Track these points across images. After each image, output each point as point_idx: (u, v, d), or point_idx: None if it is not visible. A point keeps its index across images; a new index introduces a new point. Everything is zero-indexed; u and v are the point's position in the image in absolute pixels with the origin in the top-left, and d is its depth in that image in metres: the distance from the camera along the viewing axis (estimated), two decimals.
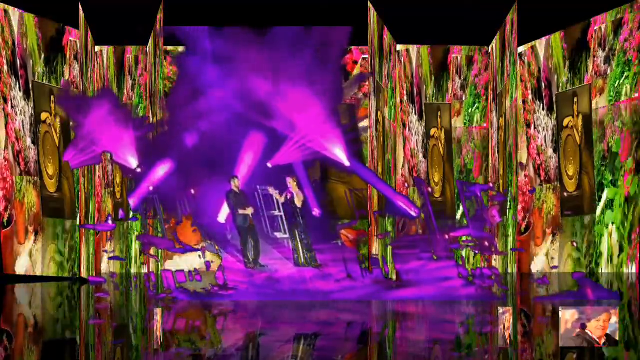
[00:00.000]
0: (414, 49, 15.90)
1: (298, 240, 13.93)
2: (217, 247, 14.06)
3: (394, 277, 14.47)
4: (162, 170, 14.08)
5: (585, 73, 14.65)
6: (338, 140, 14.48)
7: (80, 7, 14.32)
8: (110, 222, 14.70)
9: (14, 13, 13.74)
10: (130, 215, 15.18)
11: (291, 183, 14.26)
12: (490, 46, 15.91)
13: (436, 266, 13.86)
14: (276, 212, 14.72)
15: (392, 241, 15.42)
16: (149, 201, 14.21)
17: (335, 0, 14.39)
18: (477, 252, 14.77)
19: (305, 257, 13.91)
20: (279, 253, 14.24)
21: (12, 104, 13.97)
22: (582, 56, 14.72)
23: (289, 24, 13.47)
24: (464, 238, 14.63)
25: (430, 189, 16.55)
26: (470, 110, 16.11)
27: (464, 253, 15.41)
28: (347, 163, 14.50)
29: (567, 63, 14.80)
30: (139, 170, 13.86)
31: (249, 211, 14.01)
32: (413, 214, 14.34)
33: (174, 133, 14.36)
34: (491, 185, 15.63)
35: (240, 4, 14.61)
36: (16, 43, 13.73)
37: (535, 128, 15.41)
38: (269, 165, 14.56)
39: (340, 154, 14.50)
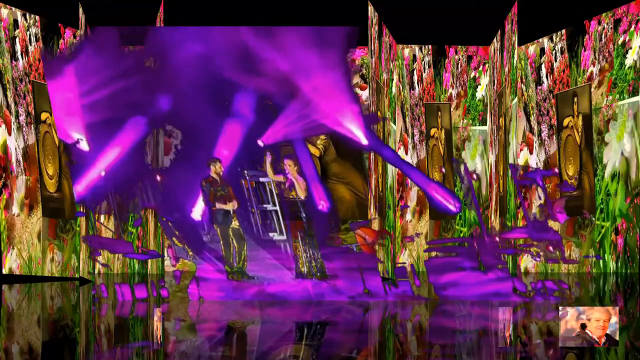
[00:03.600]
0: (414, 48, 15.94)
1: (300, 243, 11.51)
2: (190, 253, 11.29)
3: (428, 293, 11.45)
4: (117, 149, 10.83)
5: (586, 72, 14.38)
6: (352, 111, 11.18)
7: (80, 7, 14.04)
8: None
9: (15, 13, 13.64)
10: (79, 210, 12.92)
11: (290, 167, 11.42)
12: (490, 46, 15.74)
13: (483, 279, 11.14)
14: (270, 206, 11.91)
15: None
16: (100, 191, 11.01)
17: (335, 0, 14.07)
18: (538, 259, 11.37)
19: (310, 265, 11.46)
20: (273, 260, 11.74)
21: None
22: (581, 55, 14.47)
23: (287, 24, 12.23)
24: (520, 241, 11.35)
25: (475, 176, 13.17)
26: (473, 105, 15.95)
27: (520, 261, 12.02)
28: (364, 141, 11.24)
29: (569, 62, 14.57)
30: (79, 144, 10.71)
31: (232, 205, 11.30)
32: (453, 208, 11.04)
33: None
34: (556, 170, 12.26)
35: (239, 4, 14.25)
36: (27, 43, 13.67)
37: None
38: (261, 143, 11.64)
39: (355, 129, 11.16)
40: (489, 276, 11.03)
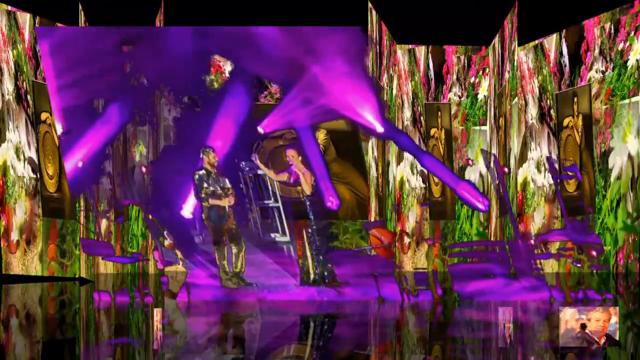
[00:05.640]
0: (413, 48, 16.14)
1: (306, 244, 10.58)
2: (179, 255, 10.28)
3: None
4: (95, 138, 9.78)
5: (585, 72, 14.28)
6: (365, 95, 10.02)
7: (80, 7, 14.22)
8: None
9: (20, 15, 14.02)
10: None
11: (294, 158, 10.35)
12: (490, 46, 15.78)
13: (516, 287, 10.03)
14: (271, 203, 11.12)
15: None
16: (79, 183, 10.01)
17: (336, 0, 14.15)
18: (578, 265, 10.13)
19: (317, 270, 10.53)
20: (275, 264, 10.90)
21: None
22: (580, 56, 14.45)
23: (286, 24, 11.68)
24: (558, 244, 10.20)
25: (506, 170, 11.99)
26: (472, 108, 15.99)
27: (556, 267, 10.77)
28: (380, 129, 10.12)
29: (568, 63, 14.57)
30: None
31: (228, 201, 10.34)
32: (481, 207, 9.83)
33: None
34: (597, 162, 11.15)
35: (239, 4, 14.20)
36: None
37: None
38: (260, 130, 10.62)
39: (369, 115, 9.98)
40: (522, 284, 9.97)
